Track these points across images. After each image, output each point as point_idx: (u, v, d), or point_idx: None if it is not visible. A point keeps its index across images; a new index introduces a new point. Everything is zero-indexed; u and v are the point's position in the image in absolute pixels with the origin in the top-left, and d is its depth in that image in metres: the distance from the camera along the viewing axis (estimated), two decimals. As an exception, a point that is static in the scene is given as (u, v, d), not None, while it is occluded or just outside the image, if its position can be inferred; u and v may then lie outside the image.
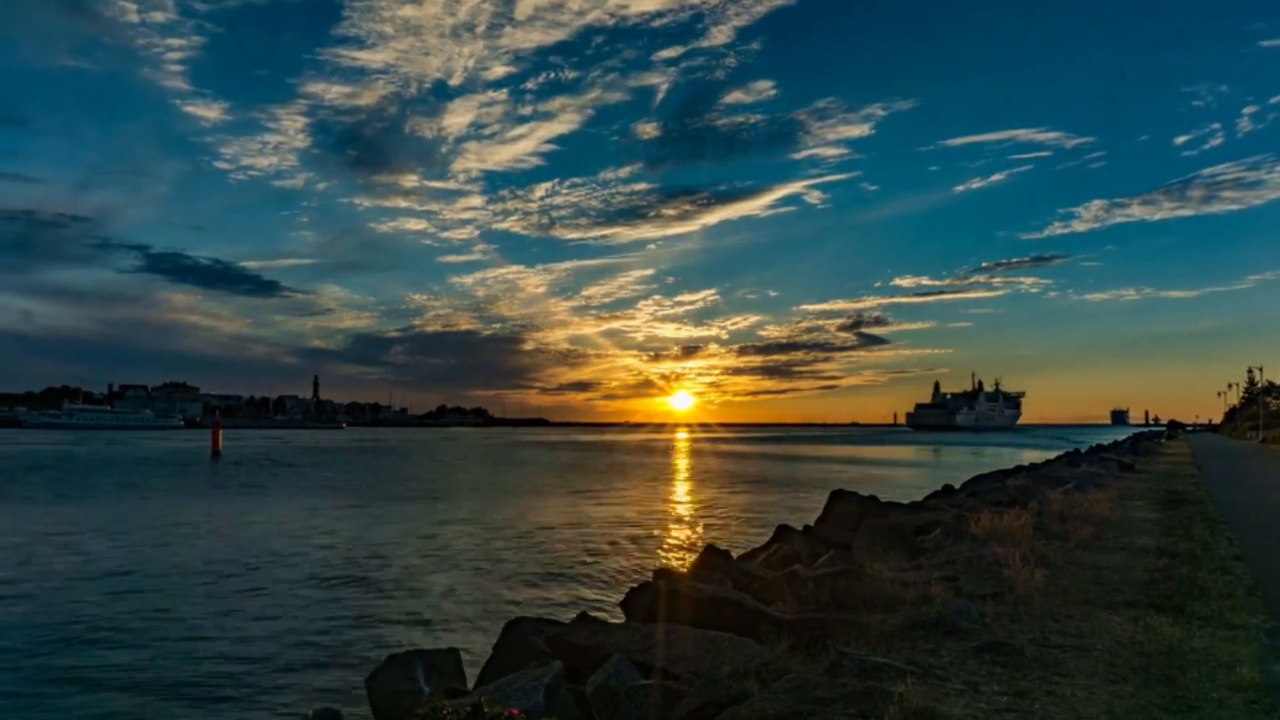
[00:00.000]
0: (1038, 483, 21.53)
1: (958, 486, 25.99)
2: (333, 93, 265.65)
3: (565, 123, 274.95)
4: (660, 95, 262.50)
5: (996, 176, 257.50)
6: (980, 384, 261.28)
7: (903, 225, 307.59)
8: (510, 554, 22.34)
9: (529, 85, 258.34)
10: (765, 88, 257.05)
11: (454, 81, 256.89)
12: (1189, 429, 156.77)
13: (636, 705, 5.39)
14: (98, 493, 39.49)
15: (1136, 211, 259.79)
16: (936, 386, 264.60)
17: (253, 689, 11.01)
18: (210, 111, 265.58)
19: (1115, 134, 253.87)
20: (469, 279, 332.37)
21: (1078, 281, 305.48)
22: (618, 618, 10.03)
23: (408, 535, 25.99)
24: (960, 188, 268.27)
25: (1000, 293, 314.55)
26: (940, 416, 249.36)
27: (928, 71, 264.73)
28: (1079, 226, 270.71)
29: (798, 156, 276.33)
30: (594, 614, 9.20)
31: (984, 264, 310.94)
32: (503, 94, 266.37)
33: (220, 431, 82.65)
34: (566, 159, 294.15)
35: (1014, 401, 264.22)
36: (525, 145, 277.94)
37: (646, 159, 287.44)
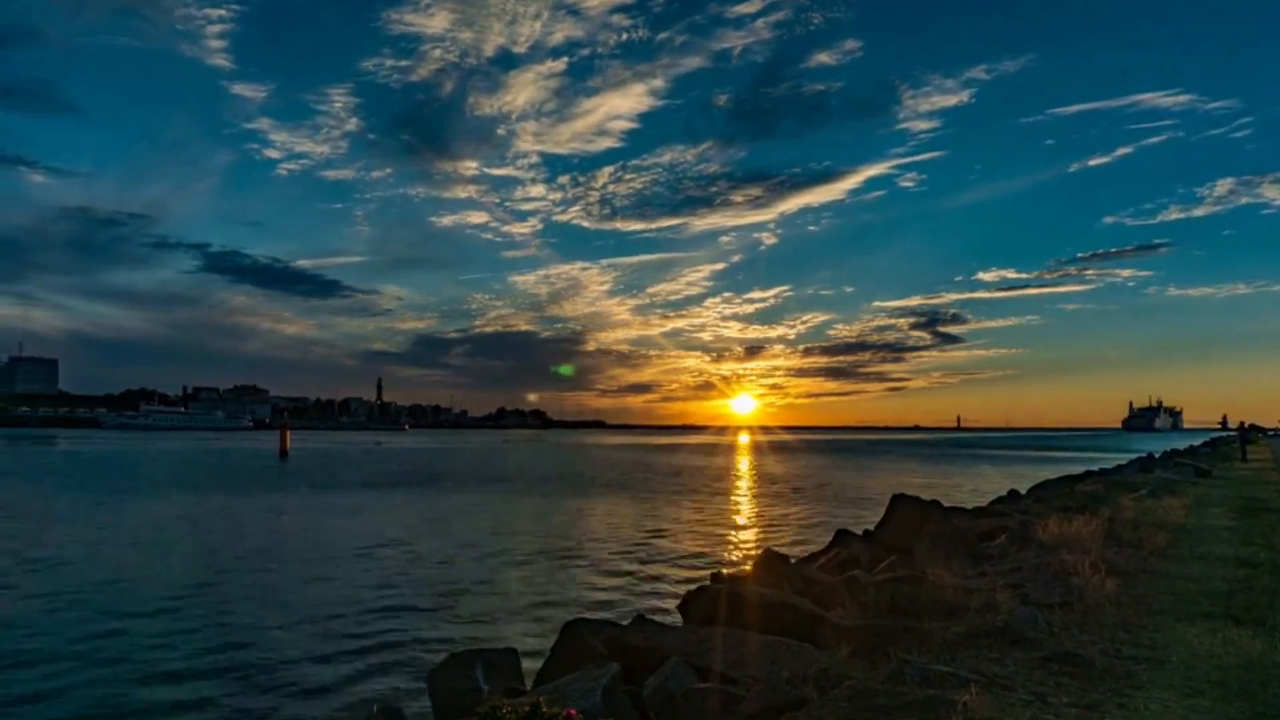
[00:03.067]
0: (1109, 488, 20.87)
1: (1024, 492, 25.35)
2: (386, 66, 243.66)
3: (633, 95, 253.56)
4: (736, 59, 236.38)
5: (1123, 150, 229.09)
6: (1159, 401, 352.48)
7: (995, 211, 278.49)
8: (568, 554, 22.48)
9: (597, 51, 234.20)
10: (853, 48, 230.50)
11: (518, 49, 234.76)
12: (1270, 434, 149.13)
13: (694, 708, 5.36)
14: (176, 491, 40.97)
15: (1268, 192, 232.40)
16: (1131, 404, 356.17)
17: (315, 685, 11.27)
18: (256, 93, 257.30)
19: (1263, 95, 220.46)
20: (531, 276, 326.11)
21: (1181, 273, 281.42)
22: (675, 620, 10.02)
23: (469, 534, 26.35)
24: (1075, 166, 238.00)
25: (1092, 286, 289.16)
26: (1145, 422, 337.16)
27: (1039, 25, 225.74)
28: (1198, 211, 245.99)
29: (885, 132, 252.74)
30: (651, 616, 9.20)
31: (1079, 254, 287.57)
32: (569, 63, 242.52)
33: (288, 433, 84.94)
34: (634, 138, 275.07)
35: (1175, 412, 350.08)
36: (590, 122, 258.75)
37: (719, 136, 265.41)
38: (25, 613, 15.31)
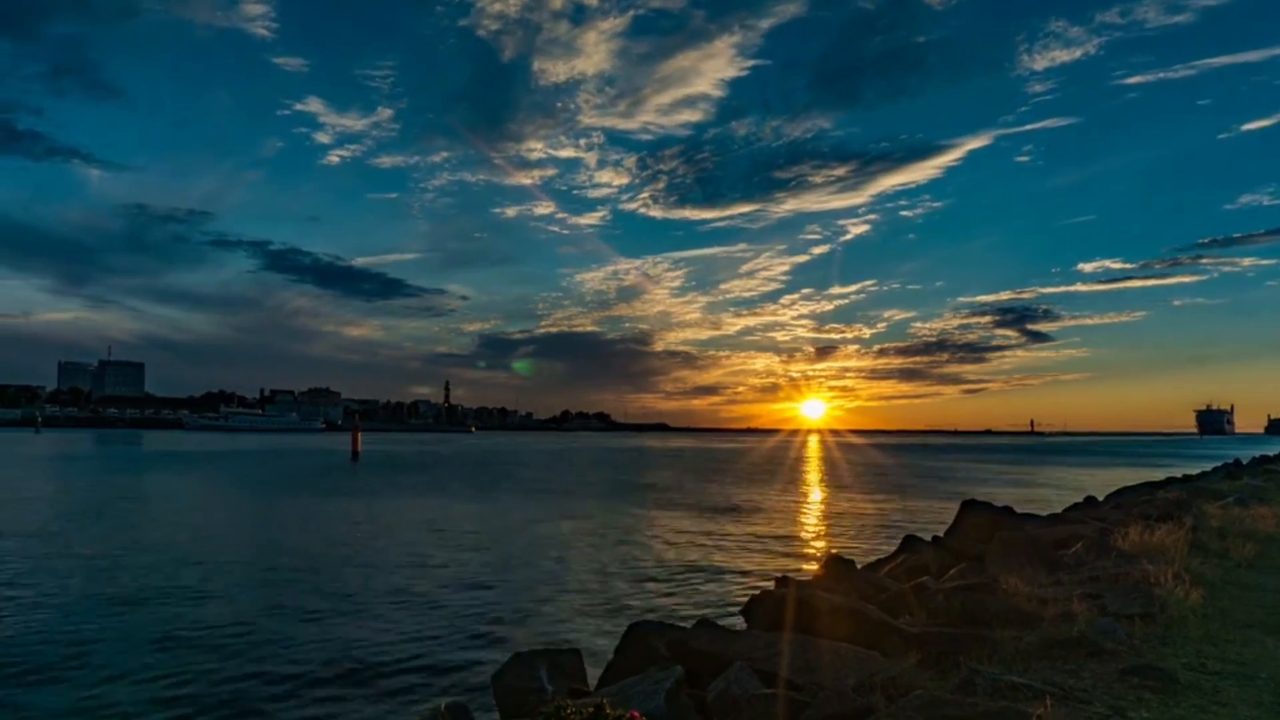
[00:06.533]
0: (1193, 496, 20.05)
1: (1101, 499, 24.53)
2: (441, 25, 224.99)
3: (713, 55, 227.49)
4: (833, 3, 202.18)
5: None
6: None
7: (1112, 189, 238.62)
8: (632, 556, 22.53)
9: (670, 5, 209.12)
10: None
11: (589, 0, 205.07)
12: None
13: (758, 714, 5.33)
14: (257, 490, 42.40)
15: None
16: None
17: (381, 682, 11.50)
18: (301, 66, 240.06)
19: None
20: (598, 274, 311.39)
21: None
22: (739, 624, 9.97)
23: (533, 535, 26.60)
24: (1224, 133, 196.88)
25: (1204, 277, 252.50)
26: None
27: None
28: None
29: (993, 95, 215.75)
30: (714, 620, 9.17)
31: (1200, 240, 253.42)
32: (642, 14, 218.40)
33: (359, 434, 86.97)
34: (709, 106, 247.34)
35: None
36: (664, 88, 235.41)
37: (800, 104, 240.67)
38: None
